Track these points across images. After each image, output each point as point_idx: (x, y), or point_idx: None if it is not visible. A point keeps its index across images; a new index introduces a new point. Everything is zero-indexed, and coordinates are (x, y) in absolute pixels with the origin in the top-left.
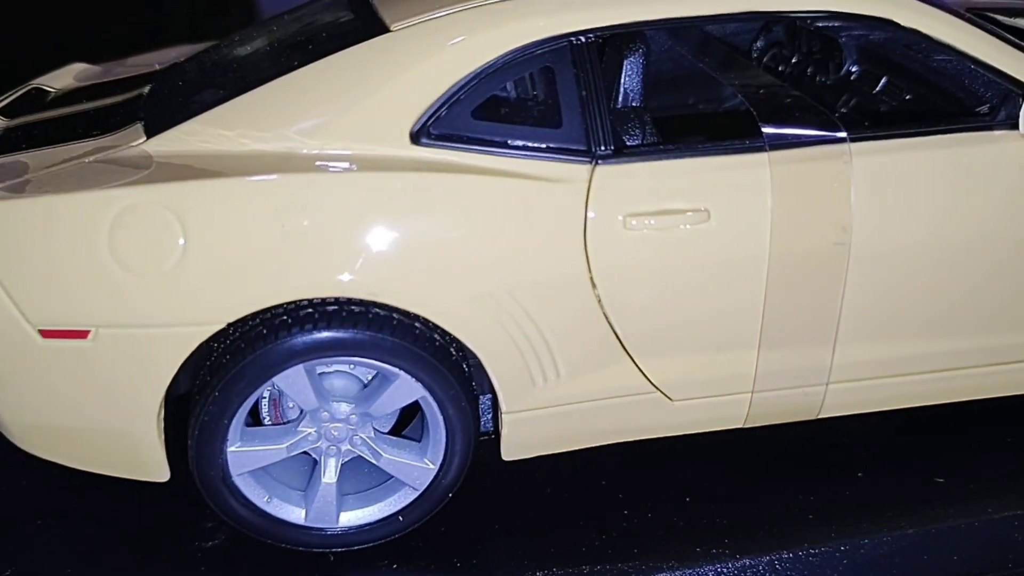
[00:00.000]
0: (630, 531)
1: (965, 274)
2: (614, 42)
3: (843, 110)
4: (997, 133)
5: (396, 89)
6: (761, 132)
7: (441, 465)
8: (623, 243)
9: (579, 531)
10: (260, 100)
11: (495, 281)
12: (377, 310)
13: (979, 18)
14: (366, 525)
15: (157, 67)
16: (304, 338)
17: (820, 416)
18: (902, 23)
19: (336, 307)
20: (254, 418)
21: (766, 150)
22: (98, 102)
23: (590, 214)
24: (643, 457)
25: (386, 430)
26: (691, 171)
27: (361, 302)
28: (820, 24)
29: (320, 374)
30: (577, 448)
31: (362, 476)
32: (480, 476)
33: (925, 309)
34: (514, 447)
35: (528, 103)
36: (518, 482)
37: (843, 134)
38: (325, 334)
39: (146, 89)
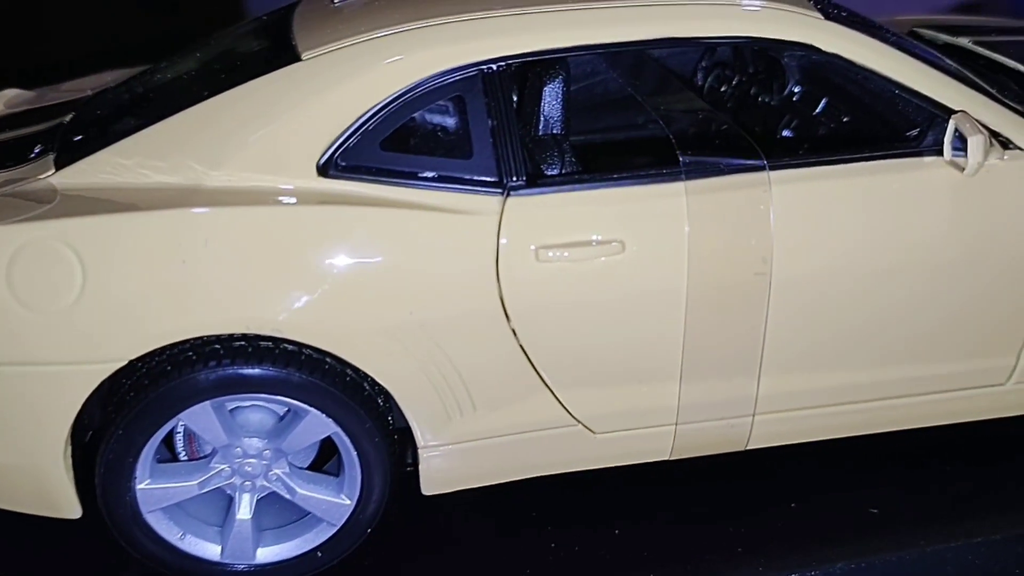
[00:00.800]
0: (557, 564)
1: (891, 303)
2: (533, 69)
3: (767, 136)
4: (923, 159)
5: (303, 120)
6: (679, 160)
7: (358, 500)
8: (536, 275)
9: (506, 566)
10: (167, 131)
11: (405, 316)
12: (286, 345)
13: (915, 39)
14: (284, 561)
15: (89, 93)
16: (209, 375)
17: (749, 448)
18: (823, 48)
19: (243, 343)
20: (172, 451)
21: (683, 179)
22: (20, 131)
23: (502, 246)
24: (574, 487)
25: (306, 464)
26: (606, 201)
27: (269, 338)
28: (745, 48)
29: (235, 408)
30: (500, 482)
31: (283, 511)
32: (408, 507)
33: (852, 339)
34: (433, 482)
35: (439, 133)
36: (445, 514)
37: (763, 162)
38: (231, 371)
39: (67, 118)
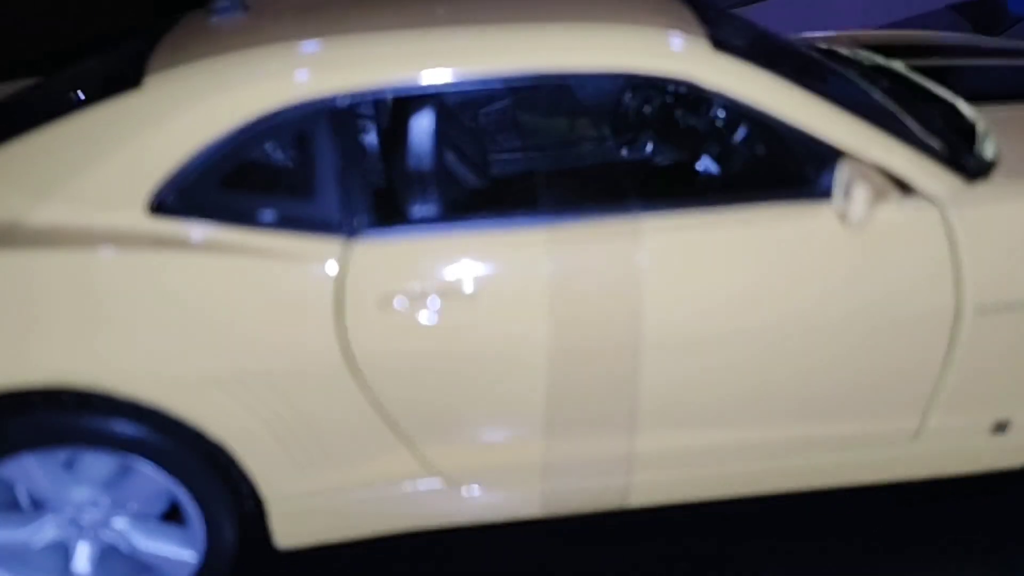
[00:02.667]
0: None
1: (777, 361)
2: (397, 105)
3: (645, 179)
4: (812, 207)
5: (133, 153)
6: (540, 205)
7: (205, 555)
8: (381, 325)
9: None
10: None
11: (240, 367)
12: (112, 397)
13: (847, 62)
14: None
15: None
16: (25, 425)
17: (632, 506)
18: (704, 85)
19: (63, 394)
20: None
21: (544, 225)
22: None
23: (343, 293)
24: (444, 541)
25: (158, 511)
26: (458, 247)
27: (90, 390)
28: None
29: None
30: (360, 538)
31: (134, 563)
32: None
33: (738, 397)
34: (285, 535)
35: (281, 172)
36: (308, 567)
37: (633, 209)
38: (47, 423)
39: None
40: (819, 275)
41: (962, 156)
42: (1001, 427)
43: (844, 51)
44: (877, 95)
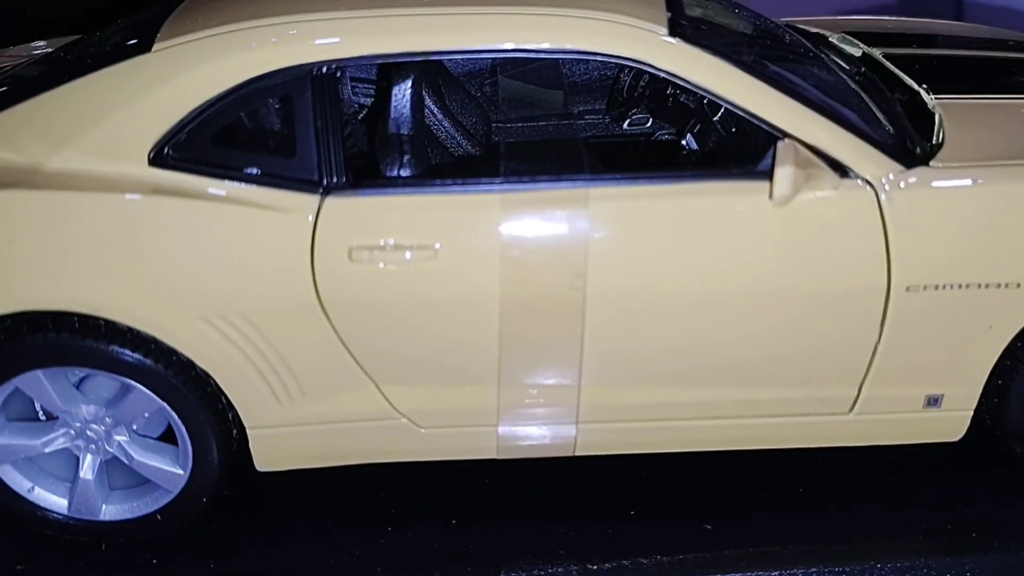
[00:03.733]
0: (390, 547)
1: (713, 327)
2: (368, 73)
3: (600, 150)
4: (750, 184)
5: (140, 111)
6: (498, 171)
7: (192, 472)
8: (350, 275)
9: (340, 544)
10: (24, 113)
11: (224, 305)
12: (115, 324)
13: (823, 45)
14: (127, 520)
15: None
16: (36, 345)
17: (577, 454)
18: (657, 66)
19: (74, 319)
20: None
21: (500, 189)
22: None
23: (317, 244)
24: (426, 473)
25: (157, 433)
26: (422, 207)
27: (98, 317)
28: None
29: (87, 376)
30: (334, 465)
31: (133, 473)
32: (270, 479)
33: (676, 358)
34: (264, 460)
35: (266, 131)
36: (296, 488)
37: (583, 177)
38: (57, 343)
39: None
40: (751, 248)
41: (905, 143)
42: (934, 401)
43: (829, 36)
44: (835, 81)
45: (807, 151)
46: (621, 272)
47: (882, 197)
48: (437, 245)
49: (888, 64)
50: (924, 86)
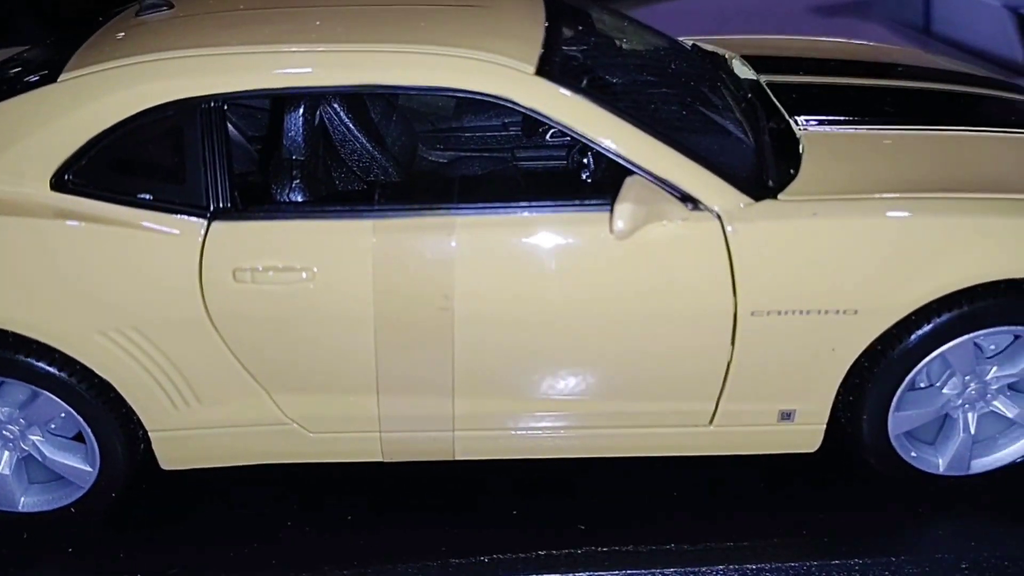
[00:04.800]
0: (291, 542)
1: (572, 345)
2: (257, 109)
3: (470, 181)
4: (602, 214)
5: (43, 138)
6: (372, 199)
7: (100, 469)
8: (234, 294)
9: (244, 539)
10: None
11: (121, 319)
12: (22, 336)
13: (717, 68)
14: (44, 512)
15: None
16: None
17: (458, 458)
18: (520, 103)
19: None
20: None
21: (373, 217)
22: None
23: (204, 265)
24: (325, 470)
25: (72, 433)
26: (300, 233)
27: (6, 329)
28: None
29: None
30: (235, 464)
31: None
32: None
33: (541, 373)
34: (167, 460)
35: (159, 160)
36: (203, 485)
37: (451, 206)
38: None
39: None
40: (602, 275)
41: (760, 175)
42: (787, 415)
43: (729, 58)
44: (703, 112)
45: (655, 184)
46: (484, 295)
47: (728, 228)
48: (314, 268)
49: (768, 92)
50: (795, 117)
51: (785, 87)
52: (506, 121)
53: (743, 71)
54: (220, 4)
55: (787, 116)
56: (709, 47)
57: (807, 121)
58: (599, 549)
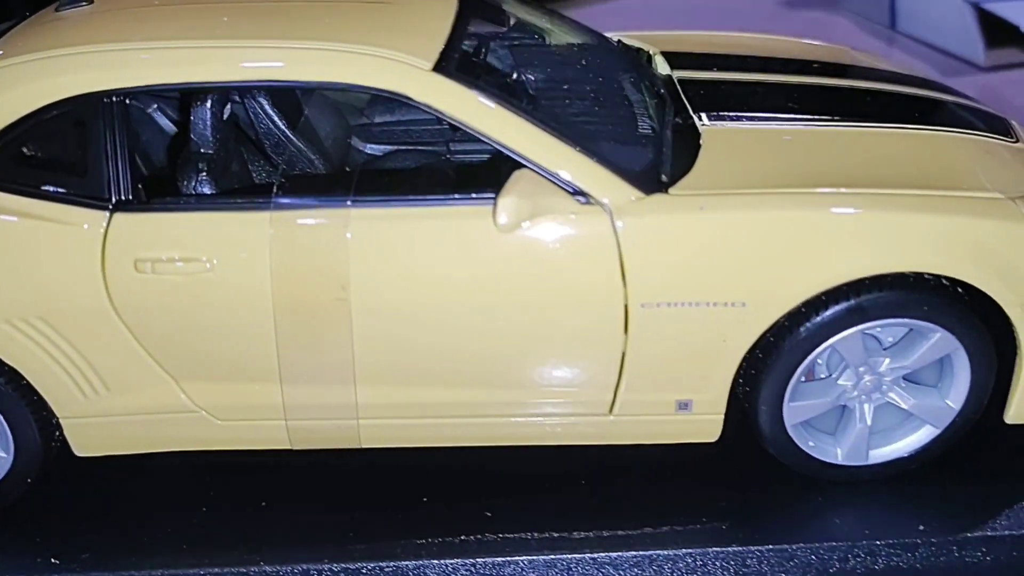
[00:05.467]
0: (205, 527)
1: (467, 335)
2: (159, 103)
3: (369, 174)
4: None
5: None
6: (271, 192)
7: (15, 455)
8: (136, 284)
9: (159, 523)
10: None
11: (26, 309)
12: None
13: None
14: None
15: None
16: None
17: (365, 446)
18: (414, 98)
19: None
20: None
21: (270, 209)
22: None
23: (106, 256)
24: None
25: None
26: (200, 224)
27: None
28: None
29: None
30: (148, 451)
31: None
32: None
33: (440, 362)
34: (80, 447)
35: (63, 153)
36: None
37: (345, 199)
38: None
39: None
40: (493, 266)
41: (655, 169)
42: (684, 406)
43: (652, 53)
44: (605, 107)
45: (546, 178)
46: (379, 285)
47: (617, 222)
48: (214, 259)
49: (679, 88)
50: (700, 112)
51: (697, 83)
52: None
53: (661, 67)
54: (139, 0)
55: (691, 112)
56: (636, 43)
57: (711, 116)
58: (501, 536)
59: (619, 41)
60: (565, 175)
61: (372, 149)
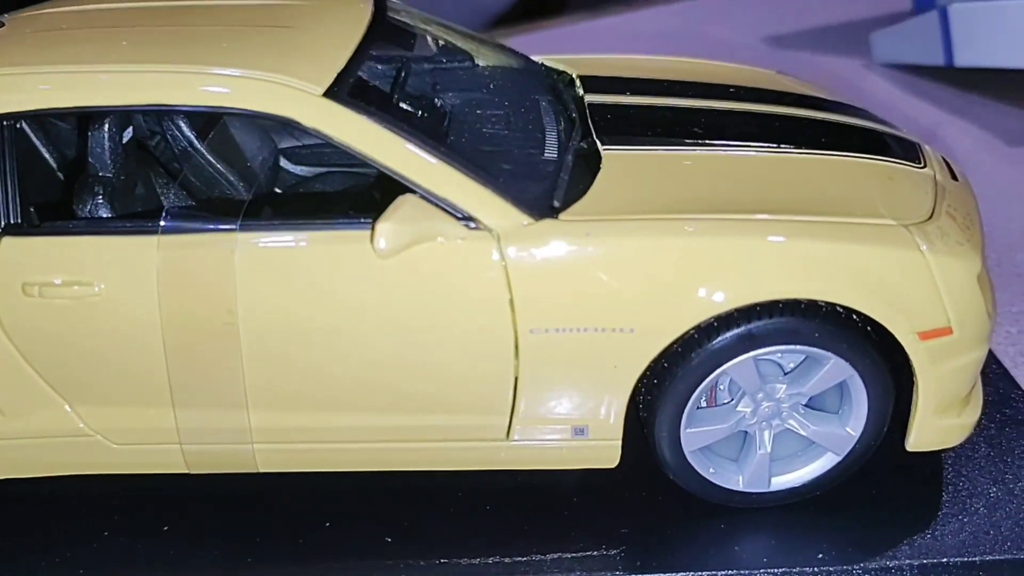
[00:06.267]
0: (105, 551)
1: (356, 361)
2: (50, 126)
3: (262, 198)
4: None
5: None
6: (159, 216)
7: None
8: (24, 308)
9: (59, 547)
10: None
11: None
12: None
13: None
14: None
15: None
16: None
17: (261, 471)
18: (303, 123)
19: None
20: None
21: (158, 233)
22: None
23: None
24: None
25: None
26: (88, 248)
27: None
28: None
29: None
30: (45, 475)
31: None
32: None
33: (331, 386)
34: None
35: None
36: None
37: (233, 223)
38: None
39: None
40: (378, 291)
41: (547, 195)
42: (580, 431)
43: (574, 76)
44: (503, 131)
45: (433, 203)
46: (266, 310)
47: (505, 247)
48: (102, 283)
49: (586, 112)
50: (603, 137)
51: (606, 107)
52: None
53: (576, 90)
54: (50, 23)
55: (595, 136)
56: (560, 66)
57: (614, 141)
58: (400, 562)
59: (542, 64)
60: (452, 200)
61: (301, 171)
